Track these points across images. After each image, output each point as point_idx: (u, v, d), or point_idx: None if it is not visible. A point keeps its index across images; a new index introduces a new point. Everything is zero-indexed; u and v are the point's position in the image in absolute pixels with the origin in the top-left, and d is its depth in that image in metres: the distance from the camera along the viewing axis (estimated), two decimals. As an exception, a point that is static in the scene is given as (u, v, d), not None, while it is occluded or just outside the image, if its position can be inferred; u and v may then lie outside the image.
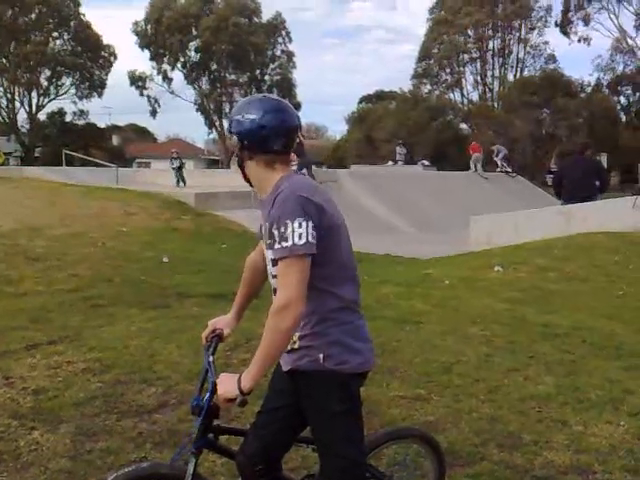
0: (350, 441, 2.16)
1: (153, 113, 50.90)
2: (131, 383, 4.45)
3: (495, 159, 26.42)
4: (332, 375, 2.13)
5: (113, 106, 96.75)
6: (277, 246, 2.02)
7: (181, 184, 21.44)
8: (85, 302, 6.81)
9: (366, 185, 19.39)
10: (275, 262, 2.09)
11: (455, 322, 6.30)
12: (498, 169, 26.17)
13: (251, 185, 2.24)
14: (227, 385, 2.03)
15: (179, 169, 22.38)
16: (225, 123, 49.31)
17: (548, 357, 5.28)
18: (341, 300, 2.15)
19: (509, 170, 26.19)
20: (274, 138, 2.14)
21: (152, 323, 6.06)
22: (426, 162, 29.51)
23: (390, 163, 29.41)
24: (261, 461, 2.29)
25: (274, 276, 2.14)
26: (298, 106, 47.28)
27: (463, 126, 48.74)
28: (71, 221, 11.56)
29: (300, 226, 1.99)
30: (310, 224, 2.00)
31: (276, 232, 2.03)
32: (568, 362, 5.17)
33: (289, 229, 1.99)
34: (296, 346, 2.14)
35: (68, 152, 24.33)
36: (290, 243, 1.99)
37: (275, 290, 2.12)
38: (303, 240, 1.98)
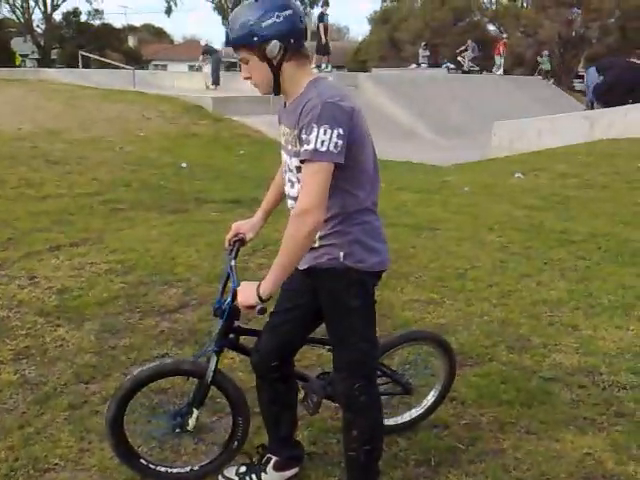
0: (364, 335, 2.26)
1: (169, 12, 49.40)
2: (152, 284, 4.57)
3: (464, 55, 25.95)
4: (351, 272, 2.17)
5: (128, 5, 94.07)
6: (302, 150, 2.01)
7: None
8: (105, 205, 6.90)
9: (387, 90, 18.93)
10: (300, 168, 2.10)
11: (472, 229, 6.32)
12: (465, 67, 25.85)
13: (277, 94, 2.15)
14: (247, 292, 2.07)
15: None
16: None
17: (563, 263, 5.31)
18: (361, 202, 2.17)
19: (474, 68, 25.94)
20: (305, 32, 2.13)
21: (171, 227, 6.15)
22: (451, 65, 28.65)
23: (413, 66, 28.60)
24: (275, 358, 2.41)
25: (299, 180, 2.13)
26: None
27: (491, 27, 46.83)
28: (89, 125, 11.54)
29: (325, 133, 1.96)
30: (335, 132, 1.97)
31: (304, 137, 2.01)
32: (583, 268, 5.20)
33: (313, 134, 1.97)
34: (316, 245, 2.18)
35: (84, 53, 23.87)
36: (312, 147, 1.97)
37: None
38: (324, 148, 1.96)
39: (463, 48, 26.45)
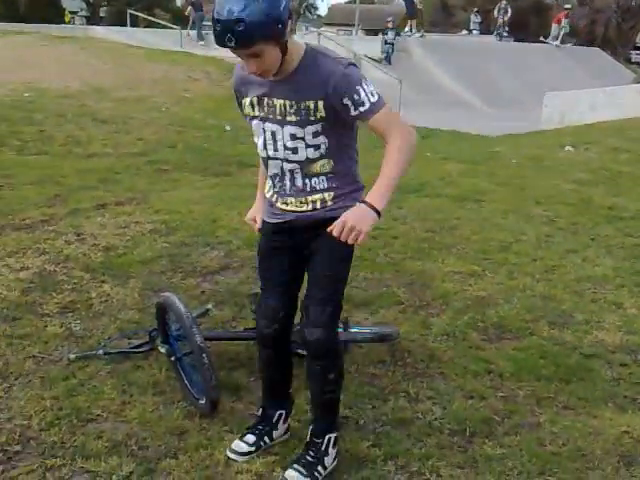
0: (345, 284, 2.37)
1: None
2: (195, 245, 4.64)
3: (499, 17, 25.03)
4: None
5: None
6: (354, 112, 2.10)
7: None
8: (151, 166, 7.00)
9: (437, 56, 18.58)
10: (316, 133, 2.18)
11: (518, 202, 6.20)
12: (497, 30, 25.00)
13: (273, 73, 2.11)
14: (361, 216, 2.01)
15: None
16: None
17: (610, 240, 5.19)
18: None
19: (505, 34, 25.17)
20: None
21: (214, 190, 6.20)
22: (504, 33, 27.87)
23: (464, 32, 27.95)
24: (282, 310, 2.44)
25: (310, 145, 2.20)
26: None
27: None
28: (136, 84, 11.63)
29: (368, 86, 2.10)
30: (371, 84, 2.12)
31: (349, 102, 2.08)
32: (630, 246, 5.07)
33: (362, 94, 2.08)
34: (328, 204, 2.27)
35: (133, 12, 23.96)
36: (368, 104, 2.08)
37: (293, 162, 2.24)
38: (376, 96, 2.10)
39: (503, 11, 25.37)
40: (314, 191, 2.28)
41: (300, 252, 2.36)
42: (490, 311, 3.80)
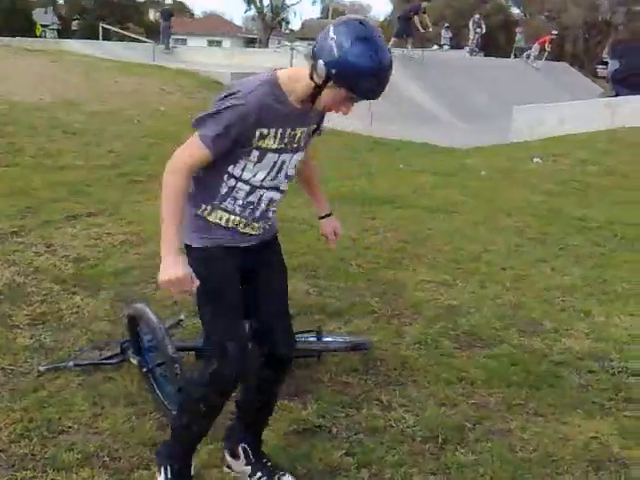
0: None
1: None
2: (167, 257, 4.60)
3: (471, 30, 25.42)
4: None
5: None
6: (321, 128, 2.33)
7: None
8: (122, 178, 6.94)
9: (408, 70, 18.75)
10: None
11: (489, 213, 6.29)
12: (469, 45, 25.41)
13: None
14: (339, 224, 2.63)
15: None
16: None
17: (578, 249, 5.29)
18: None
19: (476, 50, 25.55)
20: None
21: (187, 201, 6.17)
22: (475, 48, 28.24)
23: (435, 47, 28.28)
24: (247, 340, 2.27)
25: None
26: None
27: (514, 10, 46.24)
28: (108, 97, 11.54)
29: None
30: None
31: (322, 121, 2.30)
32: (598, 255, 5.18)
33: None
34: (273, 223, 2.38)
35: (105, 26, 23.81)
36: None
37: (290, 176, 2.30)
38: None
39: (476, 25, 25.60)
40: (272, 213, 2.30)
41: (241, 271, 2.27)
42: (461, 319, 3.84)
